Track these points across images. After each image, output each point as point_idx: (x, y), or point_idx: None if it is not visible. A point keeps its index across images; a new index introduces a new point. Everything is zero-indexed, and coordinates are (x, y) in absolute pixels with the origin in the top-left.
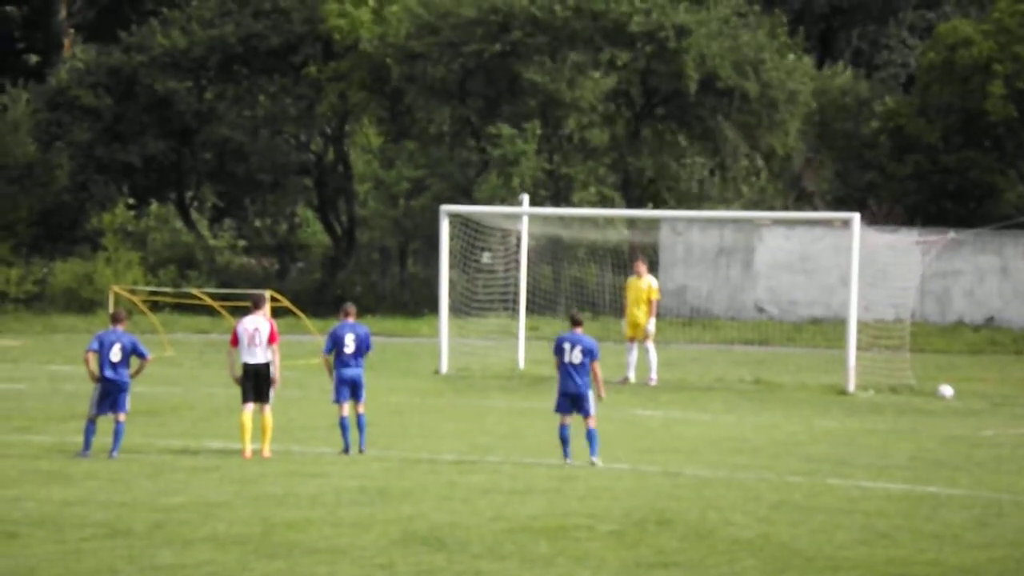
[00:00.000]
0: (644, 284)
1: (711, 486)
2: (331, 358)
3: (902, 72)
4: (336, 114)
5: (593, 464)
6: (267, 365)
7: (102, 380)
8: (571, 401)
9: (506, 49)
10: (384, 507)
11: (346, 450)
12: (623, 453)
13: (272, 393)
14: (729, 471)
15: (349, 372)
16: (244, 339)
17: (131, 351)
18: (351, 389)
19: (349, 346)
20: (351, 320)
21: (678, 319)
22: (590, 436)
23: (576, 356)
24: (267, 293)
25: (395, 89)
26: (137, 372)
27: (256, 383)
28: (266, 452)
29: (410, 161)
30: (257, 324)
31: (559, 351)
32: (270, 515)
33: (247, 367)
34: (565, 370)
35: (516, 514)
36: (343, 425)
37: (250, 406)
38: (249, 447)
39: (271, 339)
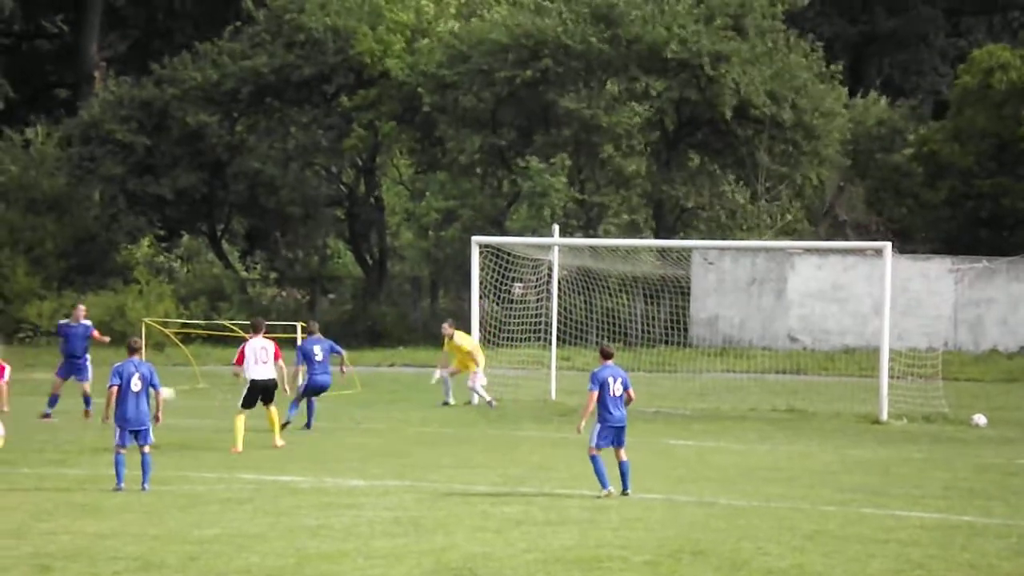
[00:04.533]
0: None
1: (745, 516)
2: None
3: (931, 99)
4: (367, 146)
5: (625, 494)
6: (273, 381)
7: (123, 412)
8: (615, 434)
9: (537, 76)
10: (417, 538)
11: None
12: (656, 483)
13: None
14: (763, 501)
15: None
16: (251, 357)
17: (149, 381)
18: None
19: None
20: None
21: (711, 348)
22: (624, 468)
23: (618, 389)
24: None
25: (426, 118)
26: (157, 410)
27: (263, 396)
28: (279, 442)
29: (440, 192)
30: (264, 344)
31: (603, 385)
32: (304, 547)
33: (255, 383)
34: (610, 403)
35: (549, 545)
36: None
37: (246, 413)
38: (240, 445)
39: (276, 356)
